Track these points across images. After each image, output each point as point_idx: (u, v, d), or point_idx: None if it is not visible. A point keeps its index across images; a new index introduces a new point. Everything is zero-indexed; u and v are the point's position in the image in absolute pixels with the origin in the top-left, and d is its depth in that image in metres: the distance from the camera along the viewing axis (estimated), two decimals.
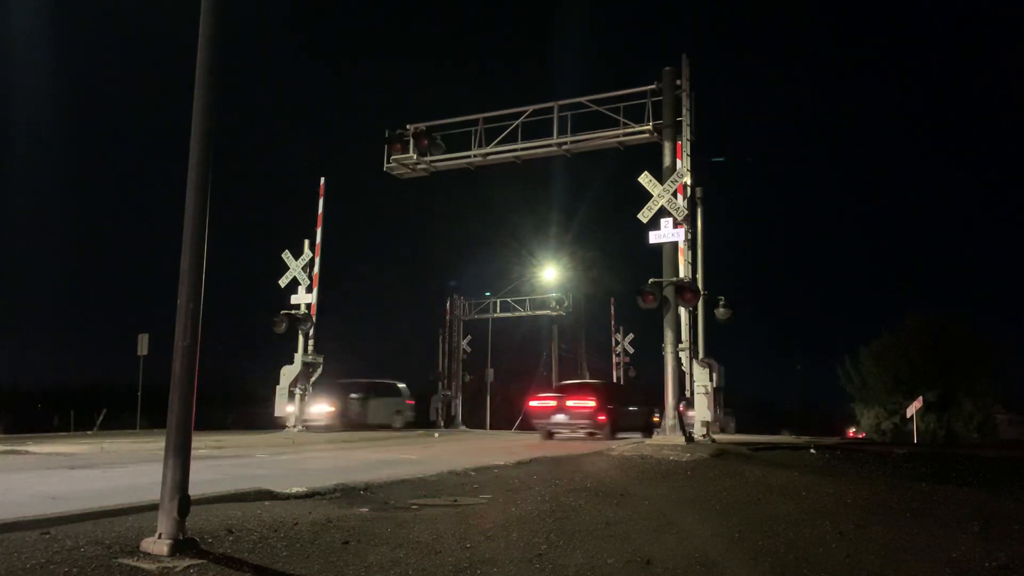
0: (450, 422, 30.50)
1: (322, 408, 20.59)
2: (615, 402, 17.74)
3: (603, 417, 16.52)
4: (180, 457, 4.21)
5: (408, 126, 18.27)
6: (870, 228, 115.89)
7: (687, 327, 14.04)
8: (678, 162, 14.30)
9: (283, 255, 19.73)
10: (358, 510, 5.80)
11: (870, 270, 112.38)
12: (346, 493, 6.69)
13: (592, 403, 16.67)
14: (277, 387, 19.38)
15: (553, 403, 17.24)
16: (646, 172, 14.12)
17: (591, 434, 16.62)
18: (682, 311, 13.89)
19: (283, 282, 19.66)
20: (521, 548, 4.60)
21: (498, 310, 34.74)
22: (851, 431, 37.92)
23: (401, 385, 25.26)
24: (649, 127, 15.44)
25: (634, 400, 19.65)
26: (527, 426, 18.68)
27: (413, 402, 25.72)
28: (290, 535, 4.74)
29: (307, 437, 17.35)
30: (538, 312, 34.46)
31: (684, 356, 13.77)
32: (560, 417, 16.78)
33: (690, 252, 14.26)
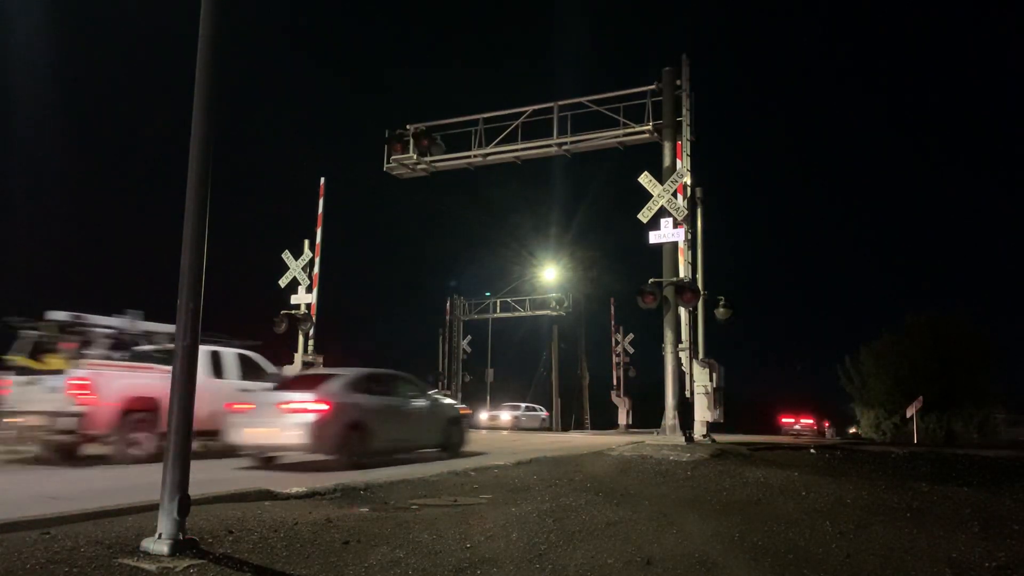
0: None
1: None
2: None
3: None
4: (180, 457, 4.21)
5: (408, 126, 18.27)
6: (870, 228, 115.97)
7: (687, 327, 14.03)
8: (678, 162, 14.30)
9: (283, 255, 19.72)
10: (358, 510, 5.80)
11: (870, 270, 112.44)
12: (346, 493, 6.69)
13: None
14: None
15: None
16: (646, 172, 14.12)
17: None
18: (682, 311, 13.88)
19: (283, 282, 19.65)
20: (521, 548, 4.60)
21: (498, 310, 34.78)
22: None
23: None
24: (649, 127, 15.44)
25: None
26: None
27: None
28: (290, 535, 4.74)
29: None
30: (538, 312, 34.49)
31: (684, 356, 13.77)
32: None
33: (690, 252, 14.25)
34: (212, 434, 10.73)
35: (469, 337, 35.65)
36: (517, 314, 34.71)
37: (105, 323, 11.96)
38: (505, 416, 32.88)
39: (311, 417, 9.80)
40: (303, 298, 19.56)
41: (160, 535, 4.11)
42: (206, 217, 4.48)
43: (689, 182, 14.21)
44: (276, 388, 11.22)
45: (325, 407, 9.95)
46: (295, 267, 19.56)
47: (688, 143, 14.39)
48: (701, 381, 14.20)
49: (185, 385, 4.31)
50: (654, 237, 13.96)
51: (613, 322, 35.94)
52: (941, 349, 28.03)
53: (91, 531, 4.57)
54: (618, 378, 34.97)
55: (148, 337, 12.51)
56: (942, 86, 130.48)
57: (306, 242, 19.68)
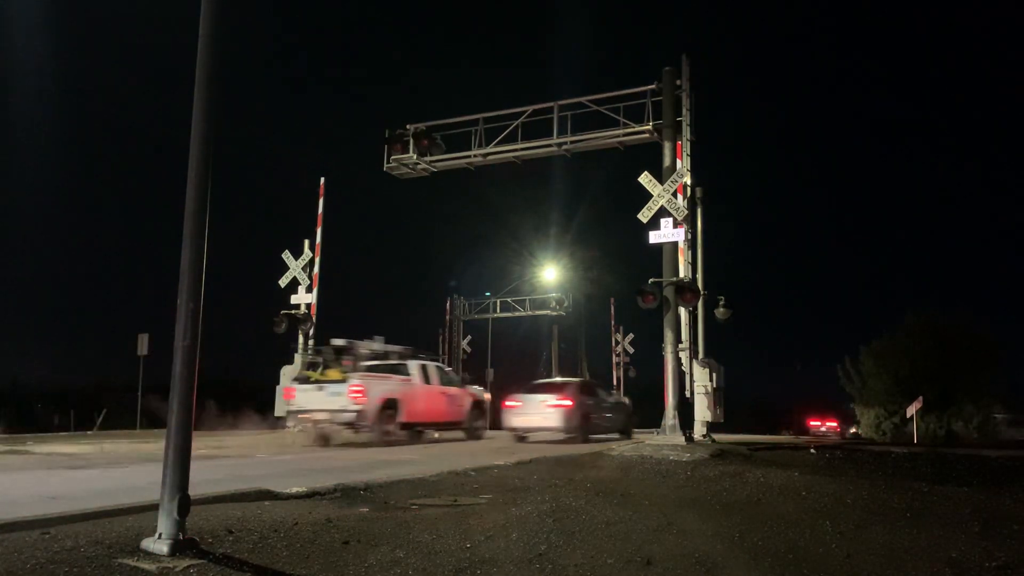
0: None
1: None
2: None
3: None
4: (180, 457, 4.21)
5: (408, 126, 18.27)
6: (870, 227, 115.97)
7: (687, 327, 14.04)
8: (678, 162, 14.31)
9: (283, 255, 19.73)
10: (358, 510, 5.80)
11: (870, 269, 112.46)
12: (346, 493, 6.69)
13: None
14: (277, 387, 19.39)
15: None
16: (646, 172, 14.12)
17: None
18: (682, 311, 13.89)
19: (283, 282, 19.67)
20: (521, 548, 4.60)
21: (498, 310, 34.76)
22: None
23: None
24: (649, 127, 15.45)
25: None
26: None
27: None
28: (290, 535, 4.74)
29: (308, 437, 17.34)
30: (538, 312, 34.47)
31: (684, 356, 13.78)
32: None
33: (690, 252, 14.26)
34: (430, 424, 15.99)
35: (469, 337, 35.62)
36: (517, 314, 34.69)
37: (365, 346, 15.83)
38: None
39: (563, 411, 15.73)
40: (303, 298, 19.58)
41: (160, 535, 4.11)
42: (206, 217, 4.48)
43: (689, 182, 14.22)
44: (529, 391, 16.83)
45: (570, 403, 15.88)
46: (295, 267, 19.58)
47: (688, 143, 14.40)
48: (701, 381, 14.22)
49: (185, 385, 4.31)
50: (654, 237, 13.97)
51: (613, 322, 35.95)
52: (941, 349, 28.01)
53: (91, 531, 4.57)
54: (618, 378, 34.96)
55: (387, 355, 16.53)
56: (942, 86, 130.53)
57: (306, 242, 19.70)
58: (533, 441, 15.97)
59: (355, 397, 13.84)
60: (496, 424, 18.29)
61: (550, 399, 15.95)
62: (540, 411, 15.79)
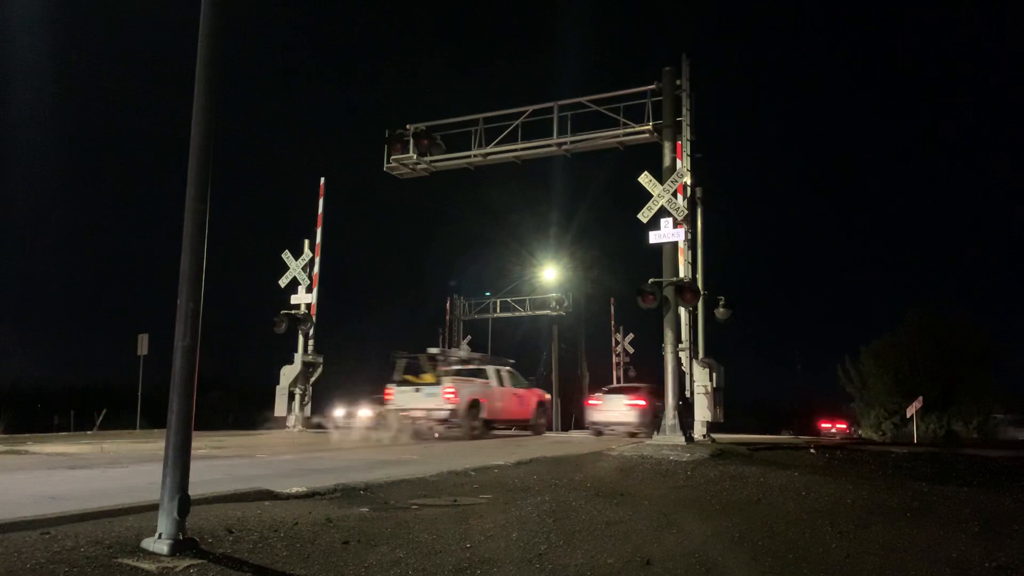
0: None
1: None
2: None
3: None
4: (180, 457, 4.21)
5: (408, 126, 18.25)
6: (871, 227, 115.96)
7: (687, 327, 14.03)
8: (678, 162, 14.29)
9: (283, 255, 19.72)
10: (358, 510, 5.80)
11: (870, 269, 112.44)
12: (346, 493, 6.68)
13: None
14: (277, 387, 19.40)
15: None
16: (646, 172, 14.09)
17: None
18: (682, 311, 13.87)
19: (283, 282, 19.66)
20: (521, 548, 4.60)
21: (498, 310, 34.73)
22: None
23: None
24: (649, 127, 15.43)
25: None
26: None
27: None
28: (290, 535, 4.73)
29: (308, 437, 17.35)
30: (538, 312, 34.43)
31: (684, 356, 13.76)
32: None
33: (690, 252, 14.25)
34: (505, 421, 18.09)
35: (469, 337, 35.55)
36: (517, 314, 34.66)
37: (453, 354, 18.38)
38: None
39: (639, 409, 18.71)
40: (303, 298, 19.58)
41: (160, 535, 4.12)
42: (206, 217, 4.48)
43: (689, 182, 14.20)
44: (609, 392, 20.06)
45: (643, 403, 18.52)
46: (295, 267, 19.57)
47: (688, 143, 14.38)
48: (701, 381, 14.22)
49: (185, 385, 4.31)
50: (654, 237, 13.94)
51: (613, 322, 35.94)
52: (941, 349, 28.04)
53: (91, 531, 4.56)
54: (618, 378, 34.95)
55: (469, 361, 18.54)
56: (942, 86, 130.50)
57: (306, 242, 19.69)
58: (610, 435, 18.44)
59: (448, 398, 15.92)
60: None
61: (627, 399, 19.12)
62: (618, 409, 18.98)
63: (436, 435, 16.42)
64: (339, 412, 20.99)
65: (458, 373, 17.29)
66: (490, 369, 18.22)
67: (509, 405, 18.20)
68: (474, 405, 16.49)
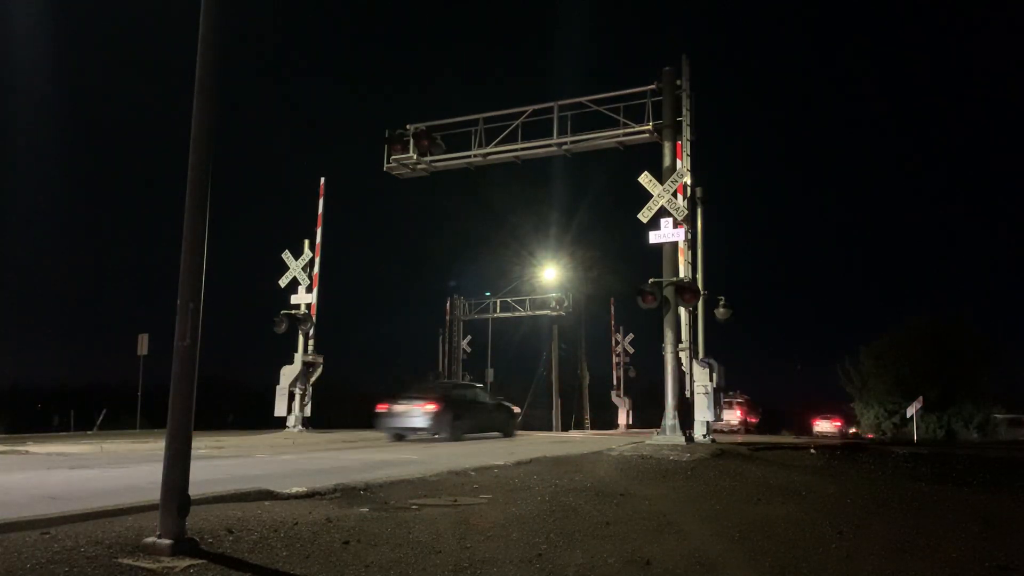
0: None
1: None
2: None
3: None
4: (180, 457, 4.21)
5: (408, 126, 18.25)
6: (871, 228, 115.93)
7: (687, 327, 14.03)
8: (678, 162, 14.29)
9: (283, 255, 19.72)
10: (358, 510, 5.80)
11: (871, 270, 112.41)
12: (346, 493, 6.68)
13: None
14: (277, 387, 19.40)
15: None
16: (646, 172, 14.10)
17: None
18: (682, 311, 13.87)
19: (283, 282, 19.66)
20: (521, 548, 4.60)
21: (498, 310, 34.74)
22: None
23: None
24: (649, 127, 15.42)
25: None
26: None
27: None
28: (290, 535, 4.73)
29: (307, 437, 17.36)
30: (538, 312, 34.44)
31: (684, 356, 13.76)
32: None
33: (690, 252, 14.25)
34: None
35: (469, 337, 35.59)
36: (517, 314, 34.67)
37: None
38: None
39: (739, 411, 33.03)
40: (303, 298, 19.57)
41: (160, 535, 4.11)
42: (206, 217, 4.48)
43: (689, 182, 14.20)
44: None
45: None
46: (295, 267, 19.56)
47: (688, 143, 14.38)
48: (701, 381, 14.21)
49: (185, 385, 4.31)
50: (654, 237, 13.95)
51: (613, 322, 35.97)
52: (941, 349, 28.02)
53: (91, 531, 4.56)
54: (618, 378, 34.96)
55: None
56: (942, 86, 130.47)
57: (306, 242, 19.69)
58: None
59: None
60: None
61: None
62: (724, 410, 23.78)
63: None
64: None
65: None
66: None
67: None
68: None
